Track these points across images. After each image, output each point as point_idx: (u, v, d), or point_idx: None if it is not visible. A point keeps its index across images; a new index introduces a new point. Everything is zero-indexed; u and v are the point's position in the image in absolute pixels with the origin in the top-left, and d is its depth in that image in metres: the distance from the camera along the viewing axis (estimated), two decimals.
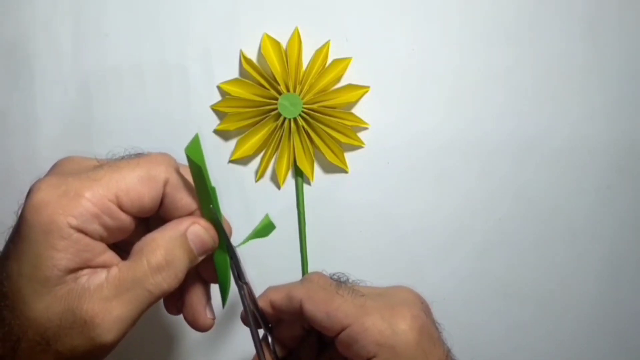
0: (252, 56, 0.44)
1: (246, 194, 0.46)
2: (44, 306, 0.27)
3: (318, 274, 0.34)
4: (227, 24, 0.44)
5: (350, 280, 0.35)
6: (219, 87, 0.44)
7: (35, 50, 0.44)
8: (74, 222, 0.27)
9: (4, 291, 0.27)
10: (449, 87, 0.46)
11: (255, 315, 0.33)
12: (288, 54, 0.43)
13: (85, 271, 0.28)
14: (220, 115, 0.45)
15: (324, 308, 0.31)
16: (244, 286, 0.32)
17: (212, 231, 0.31)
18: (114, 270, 0.28)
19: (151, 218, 0.31)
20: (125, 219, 0.29)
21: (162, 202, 0.30)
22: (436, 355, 0.31)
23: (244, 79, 0.44)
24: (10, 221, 0.33)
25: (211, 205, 0.30)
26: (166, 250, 0.29)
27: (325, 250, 0.46)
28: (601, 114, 0.47)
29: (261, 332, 0.34)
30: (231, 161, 0.45)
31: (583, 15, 0.46)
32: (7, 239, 0.29)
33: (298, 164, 0.44)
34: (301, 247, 0.46)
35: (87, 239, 0.28)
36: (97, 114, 0.44)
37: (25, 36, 0.44)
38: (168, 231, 0.30)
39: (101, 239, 0.28)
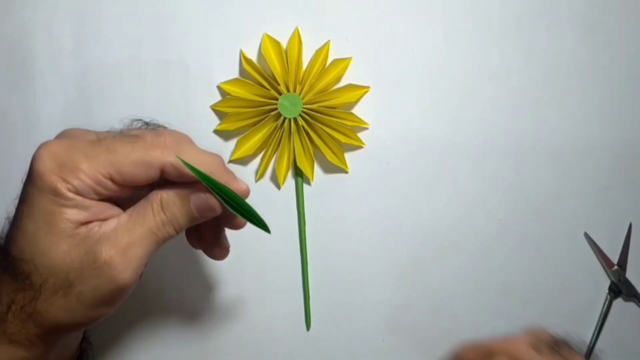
0: (252, 56, 0.44)
1: None
2: (63, 252, 0.30)
3: (518, 342, 0.33)
4: (227, 24, 0.44)
5: (569, 346, 0.33)
6: (219, 87, 0.44)
7: (35, 50, 0.44)
8: (73, 189, 0.30)
9: (20, 247, 0.31)
10: (449, 87, 0.46)
11: None
12: (288, 54, 0.43)
13: (95, 222, 0.31)
14: (220, 115, 0.45)
15: None
16: None
17: (214, 201, 0.33)
18: (125, 217, 0.32)
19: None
20: (120, 190, 0.32)
21: (164, 177, 0.33)
22: None
23: (244, 79, 0.44)
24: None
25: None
26: (167, 206, 0.32)
27: (325, 250, 0.46)
28: (601, 114, 0.47)
29: None
30: (231, 161, 0.45)
31: (583, 15, 0.46)
32: (16, 204, 0.32)
33: (298, 164, 0.44)
34: (301, 247, 0.46)
35: (90, 200, 0.31)
36: (97, 114, 0.44)
37: (25, 36, 0.44)
38: (174, 193, 0.33)
39: (102, 201, 0.32)
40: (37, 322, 0.31)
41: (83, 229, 0.31)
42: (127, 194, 0.33)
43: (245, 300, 0.46)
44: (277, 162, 0.45)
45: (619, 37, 0.46)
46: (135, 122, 0.36)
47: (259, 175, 0.45)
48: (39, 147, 0.31)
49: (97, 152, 0.31)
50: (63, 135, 0.34)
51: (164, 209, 0.32)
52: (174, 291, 0.45)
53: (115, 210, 0.33)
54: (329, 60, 0.44)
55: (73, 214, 0.30)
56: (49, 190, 0.30)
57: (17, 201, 0.32)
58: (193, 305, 0.46)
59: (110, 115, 0.44)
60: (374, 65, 0.45)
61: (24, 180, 0.32)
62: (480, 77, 0.46)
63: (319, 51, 0.44)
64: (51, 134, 0.44)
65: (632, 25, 0.46)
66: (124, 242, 0.31)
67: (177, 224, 0.33)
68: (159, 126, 0.37)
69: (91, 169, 0.30)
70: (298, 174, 0.45)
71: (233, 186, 0.34)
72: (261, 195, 0.45)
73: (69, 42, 0.44)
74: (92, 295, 0.31)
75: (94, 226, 0.31)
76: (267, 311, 0.46)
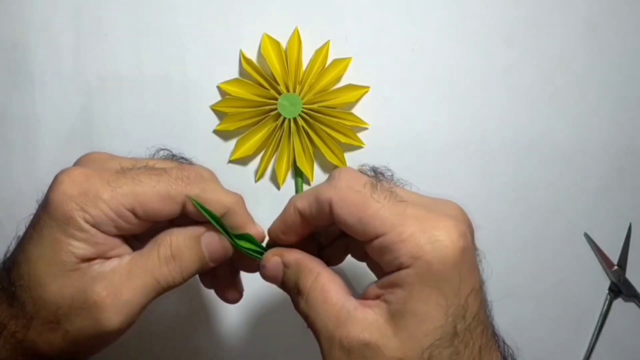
0: (252, 56, 0.44)
1: (246, 194, 0.45)
2: (58, 287, 0.29)
3: (347, 170, 0.30)
4: (227, 24, 0.44)
5: (391, 177, 0.31)
6: (219, 87, 0.44)
7: (35, 50, 0.44)
8: (90, 220, 0.29)
9: (20, 272, 0.29)
10: (449, 87, 0.46)
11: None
12: (288, 54, 0.43)
13: (98, 260, 0.30)
14: (220, 115, 0.45)
15: (357, 213, 0.28)
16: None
17: (226, 242, 0.32)
18: (127, 258, 0.30)
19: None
20: (140, 224, 0.30)
21: (185, 213, 0.31)
22: (471, 283, 0.27)
23: (243, 79, 0.44)
24: (10, 221, 0.34)
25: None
26: (177, 247, 0.31)
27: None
28: (601, 114, 0.47)
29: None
30: (231, 161, 0.45)
31: (583, 16, 0.46)
32: (27, 224, 0.31)
33: (298, 164, 0.44)
34: None
35: (103, 234, 0.29)
36: (97, 114, 0.44)
37: (25, 36, 0.44)
38: (185, 231, 0.31)
39: (116, 236, 0.30)
40: (25, 350, 0.29)
41: (84, 265, 0.29)
42: (144, 230, 0.31)
43: (245, 299, 0.46)
44: (277, 162, 0.45)
45: (619, 37, 0.46)
46: (161, 152, 0.34)
47: (259, 175, 0.45)
48: (61, 172, 0.30)
49: (121, 183, 0.30)
50: (86, 162, 0.32)
51: (173, 255, 0.31)
52: (173, 293, 0.45)
53: (126, 249, 0.31)
54: (329, 60, 0.44)
55: (79, 248, 0.29)
56: (63, 218, 0.29)
57: (28, 220, 0.31)
58: (193, 306, 0.46)
59: (110, 116, 0.45)
60: (374, 65, 0.45)
61: (39, 202, 0.31)
62: (480, 77, 0.46)
63: (318, 51, 0.44)
64: (50, 134, 0.45)
65: (632, 25, 0.46)
66: (119, 284, 0.29)
67: (186, 271, 0.31)
68: (185, 160, 0.35)
69: (113, 200, 0.29)
70: (298, 174, 0.45)
71: (249, 229, 0.32)
72: (261, 195, 0.45)
73: (69, 42, 0.44)
74: (77, 335, 0.29)
75: (96, 264, 0.30)
76: (268, 311, 0.46)
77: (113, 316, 0.29)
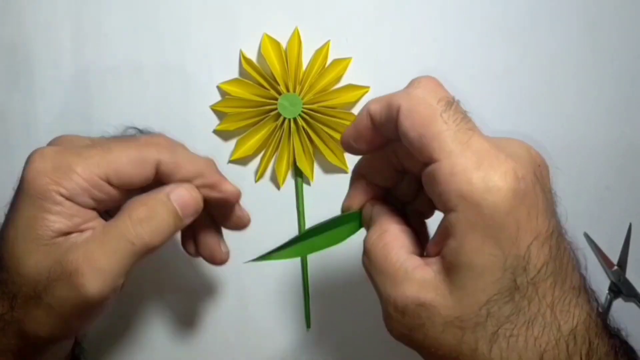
0: (252, 56, 0.44)
1: (246, 194, 0.45)
2: (35, 261, 0.29)
3: (429, 80, 0.28)
4: (227, 24, 0.44)
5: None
6: (218, 87, 0.44)
7: (35, 50, 0.44)
8: (65, 193, 0.29)
9: (1, 253, 0.30)
10: (449, 87, 0.45)
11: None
12: (288, 54, 0.43)
13: (75, 234, 0.30)
14: (220, 115, 0.45)
15: (419, 128, 0.25)
16: None
17: (196, 193, 0.32)
18: (99, 227, 0.30)
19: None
20: (115, 193, 0.31)
21: (158, 178, 0.32)
22: (534, 229, 0.25)
23: (243, 79, 0.44)
24: None
25: None
26: (148, 207, 0.31)
27: (325, 250, 0.46)
28: (600, 114, 0.47)
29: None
30: (231, 161, 0.45)
31: (583, 16, 0.46)
32: (6, 212, 0.31)
33: (298, 164, 0.44)
34: None
35: (78, 207, 0.30)
36: (97, 114, 0.44)
37: (25, 36, 0.44)
38: (153, 193, 0.32)
39: (92, 208, 0.31)
40: (15, 332, 0.30)
41: (61, 240, 0.29)
42: (121, 199, 0.32)
43: (246, 300, 0.46)
44: (277, 162, 0.45)
45: (618, 37, 0.46)
46: (129, 130, 0.35)
47: (259, 175, 0.45)
48: (33, 152, 0.31)
49: (92, 154, 0.30)
50: (57, 142, 0.33)
51: (146, 215, 0.30)
52: (172, 292, 0.45)
53: (101, 222, 0.31)
54: (329, 60, 0.44)
55: (55, 222, 0.29)
56: (37, 194, 0.29)
57: (7, 208, 0.32)
58: (192, 305, 0.46)
59: (110, 116, 0.45)
60: (374, 65, 0.45)
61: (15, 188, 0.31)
62: (480, 77, 0.46)
63: (318, 51, 0.44)
64: (50, 134, 0.44)
65: (632, 25, 0.46)
66: (93, 251, 0.29)
67: (160, 229, 0.31)
68: (154, 134, 0.36)
69: (86, 171, 0.30)
70: (298, 174, 0.45)
71: (223, 187, 0.33)
72: (261, 195, 0.45)
73: (69, 42, 0.44)
74: (59, 308, 0.29)
75: (72, 237, 0.30)
76: (267, 311, 0.46)
77: (89, 282, 0.29)
